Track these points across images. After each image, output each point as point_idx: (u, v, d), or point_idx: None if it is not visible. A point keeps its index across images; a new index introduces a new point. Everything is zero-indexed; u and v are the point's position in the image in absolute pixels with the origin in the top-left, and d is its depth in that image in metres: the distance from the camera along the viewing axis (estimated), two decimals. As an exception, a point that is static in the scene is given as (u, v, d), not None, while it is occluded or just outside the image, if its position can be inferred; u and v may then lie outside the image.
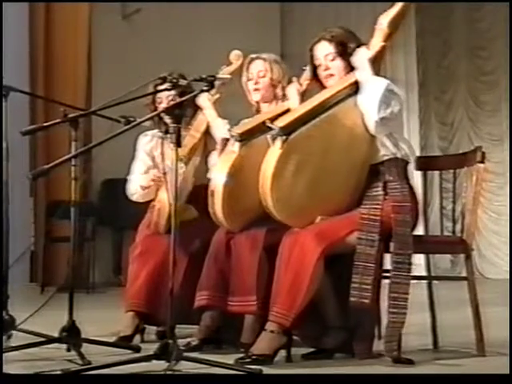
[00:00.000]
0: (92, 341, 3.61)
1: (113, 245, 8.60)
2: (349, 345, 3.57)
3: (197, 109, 4.22)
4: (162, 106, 4.26)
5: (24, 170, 5.82)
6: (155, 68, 4.22)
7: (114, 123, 3.87)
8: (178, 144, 3.26)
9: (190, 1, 9.06)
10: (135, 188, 4.35)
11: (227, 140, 3.87)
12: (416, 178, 3.92)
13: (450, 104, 9.93)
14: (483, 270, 9.28)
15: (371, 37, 3.60)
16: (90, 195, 8.41)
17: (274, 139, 3.43)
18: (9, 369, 3.11)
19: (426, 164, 4.03)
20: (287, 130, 3.42)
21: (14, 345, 3.61)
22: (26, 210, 8.03)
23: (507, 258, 8.80)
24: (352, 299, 3.38)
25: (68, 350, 3.50)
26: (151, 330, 4.18)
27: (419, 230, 3.72)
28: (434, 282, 3.98)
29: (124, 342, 3.88)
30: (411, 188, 3.57)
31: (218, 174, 3.73)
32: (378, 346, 3.57)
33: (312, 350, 3.65)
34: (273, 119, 3.57)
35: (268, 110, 4.02)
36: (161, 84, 3.98)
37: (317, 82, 3.72)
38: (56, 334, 3.52)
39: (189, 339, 3.85)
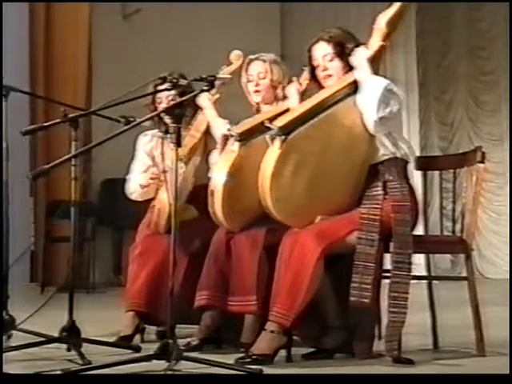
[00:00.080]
0: (92, 341, 3.61)
1: (113, 245, 8.60)
2: (349, 345, 3.57)
3: (197, 109, 4.22)
4: (162, 106, 4.26)
5: (24, 170, 5.81)
6: (155, 68, 4.22)
7: (114, 123, 3.87)
8: (178, 144, 3.26)
9: (190, 1, 9.06)
10: (134, 187, 4.35)
11: (227, 138, 3.87)
12: (416, 177, 3.93)
13: (450, 104, 9.93)
14: (483, 270, 9.28)
15: (370, 37, 3.60)
16: (89, 195, 8.41)
17: (272, 139, 3.43)
18: (9, 369, 3.12)
19: (426, 164, 4.03)
20: (286, 130, 3.42)
21: (14, 345, 3.61)
22: (26, 209, 8.03)
23: (507, 258, 8.80)
24: (352, 299, 3.38)
25: (68, 349, 3.50)
26: (151, 330, 4.18)
27: (419, 230, 3.73)
28: (434, 281, 3.98)
29: (124, 342, 3.88)
30: (411, 187, 3.57)
31: (218, 173, 3.74)
32: (378, 345, 3.57)
33: (312, 349, 3.65)
34: (272, 119, 3.58)
35: (268, 110, 4.02)
36: (161, 84, 3.99)
37: (315, 82, 3.72)
38: (56, 334, 3.52)
39: (189, 339, 3.85)
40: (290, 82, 3.88)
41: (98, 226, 8.13)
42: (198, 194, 4.03)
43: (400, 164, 3.57)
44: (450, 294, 5.00)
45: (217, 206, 3.71)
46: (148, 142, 4.43)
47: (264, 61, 4.05)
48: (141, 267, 4.12)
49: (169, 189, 3.58)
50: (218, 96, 4.16)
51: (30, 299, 5.84)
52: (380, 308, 3.60)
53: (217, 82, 3.60)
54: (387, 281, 3.46)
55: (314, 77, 3.71)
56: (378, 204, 3.48)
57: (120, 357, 3.48)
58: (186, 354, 3.21)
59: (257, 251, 3.72)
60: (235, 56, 4.20)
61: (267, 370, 3.19)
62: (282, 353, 3.48)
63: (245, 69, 4.09)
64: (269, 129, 3.47)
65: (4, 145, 3.95)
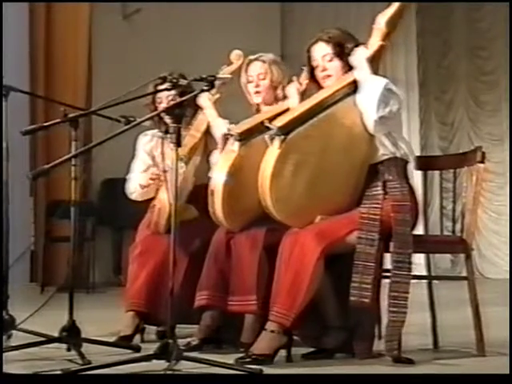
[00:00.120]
0: (92, 340, 3.61)
1: (113, 245, 8.60)
2: (349, 344, 3.57)
3: (197, 108, 4.22)
4: (162, 105, 4.26)
5: (24, 170, 5.81)
6: (155, 68, 4.22)
7: (114, 123, 3.87)
8: (178, 144, 3.26)
9: (190, 1, 9.06)
10: (134, 186, 4.35)
11: (227, 138, 3.87)
12: (416, 177, 3.93)
13: (451, 104, 9.93)
14: (483, 270, 9.28)
15: (370, 37, 3.60)
16: (89, 195, 8.41)
17: (272, 139, 3.43)
18: (9, 368, 3.11)
19: (426, 164, 4.03)
20: (285, 130, 3.42)
21: (14, 344, 3.61)
22: (26, 209, 8.02)
23: (507, 258, 8.80)
24: (352, 299, 3.38)
25: (68, 349, 3.50)
26: (151, 330, 4.18)
27: (419, 230, 3.73)
28: (434, 281, 3.98)
29: (124, 342, 3.88)
30: (411, 187, 3.57)
31: (218, 173, 3.74)
32: (378, 345, 3.57)
33: (312, 349, 3.65)
34: (271, 119, 3.58)
35: (268, 110, 4.02)
36: (161, 84, 3.99)
37: (314, 82, 3.72)
38: (56, 334, 3.52)
39: (189, 339, 3.85)
40: (290, 81, 3.88)
41: (98, 225, 8.14)
42: (198, 193, 4.03)
43: (400, 164, 3.57)
44: (450, 294, 5.00)
45: (217, 205, 3.71)
46: (148, 142, 4.43)
47: (263, 61, 4.05)
48: (141, 267, 4.12)
49: (169, 189, 3.58)
50: (218, 96, 4.16)
51: (29, 299, 5.84)
52: (380, 308, 3.61)
53: (217, 82, 3.60)
54: (387, 280, 3.46)
55: (313, 77, 3.71)
56: (377, 204, 3.48)
57: (120, 357, 3.48)
58: (186, 353, 3.21)
59: (257, 251, 3.72)
60: (235, 56, 4.20)
61: (267, 370, 3.19)
62: (282, 353, 3.48)
63: (244, 69, 4.09)
64: (268, 129, 3.47)
65: (4, 145, 3.95)
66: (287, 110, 3.71)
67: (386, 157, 3.56)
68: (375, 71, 3.56)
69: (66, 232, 4.09)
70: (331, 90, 3.58)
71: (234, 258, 3.78)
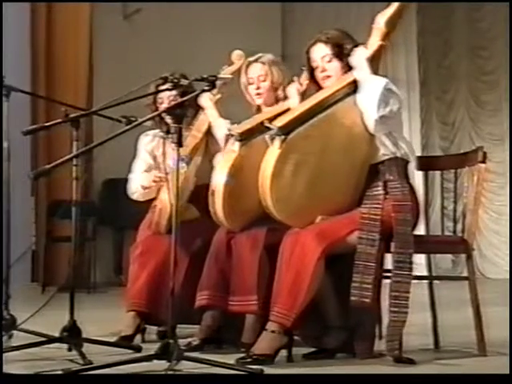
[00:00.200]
0: (93, 340, 3.62)
1: (114, 244, 8.60)
2: (350, 344, 3.57)
3: (198, 109, 4.22)
4: (164, 106, 4.26)
5: (25, 170, 5.81)
6: (156, 68, 4.22)
7: (115, 123, 3.88)
8: (180, 144, 3.26)
9: (191, 1, 9.06)
10: (136, 187, 4.35)
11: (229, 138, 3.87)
12: (417, 177, 3.93)
13: (452, 104, 9.93)
14: (484, 270, 9.28)
15: (370, 36, 3.60)
16: (91, 195, 8.40)
17: (272, 139, 3.43)
18: (9, 369, 3.12)
19: (427, 164, 4.03)
20: (286, 130, 3.42)
21: (14, 344, 3.62)
22: (28, 209, 8.03)
23: (508, 258, 8.79)
24: (353, 298, 3.38)
25: (69, 349, 3.51)
26: (152, 330, 4.18)
27: (420, 230, 3.73)
28: (435, 281, 3.99)
29: (125, 342, 3.88)
30: (411, 187, 3.57)
31: (219, 173, 3.74)
32: (379, 345, 3.57)
33: (313, 349, 3.65)
34: (272, 119, 3.58)
35: (269, 110, 4.02)
36: (162, 84, 3.99)
37: (314, 83, 3.72)
38: (57, 334, 3.52)
39: (190, 339, 3.85)
40: (290, 82, 3.88)
41: (99, 225, 8.14)
42: (200, 193, 4.03)
43: (400, 164, 3.57)
44: (451, 294, 5.00)
45: (217, 205, 3.71)
46: (149, 142, 4.43)
47: (263, 63, 4.04)
48: (142, 267, 4.12)
49: (170, 189, 3.58)
50: (219, 96, 4.16)
51: (30, 299, 5.85)
52: (381, 308, 3.61)
53: (218, 82, 3.60)
54: (388, 281, 3.46)
55: (313, 78, 3.71)
56: (378, 204, 3.48)
57: (121, 357, 3.48)
58: (186, 353, 3.21)
59: (257, 251, 3.72)
60: (237, 56, 4.20)
61: (268, 370, 3.19)
62: (283, 353, 3.48)
63: (244, 71, 4.09)
64: (269, 129, 3.47)
65: (5, 145, 3.96)
66: (288, 110, 3.71)
67: (386, 157, 3.56)
68: (375, 71, 3.56)
69: (67, 232, 4.10)
70: (331, 90, 3.58)
71: (234, 258, 3.78)
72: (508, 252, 8.81)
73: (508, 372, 3.07)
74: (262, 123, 3.65)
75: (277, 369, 3.30)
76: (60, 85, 8.31)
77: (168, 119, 4.18)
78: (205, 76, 3.43)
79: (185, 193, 4.09)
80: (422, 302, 3.92)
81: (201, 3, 9.17)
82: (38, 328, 3.74)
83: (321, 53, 3.65)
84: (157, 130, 4.39)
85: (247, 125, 3.84)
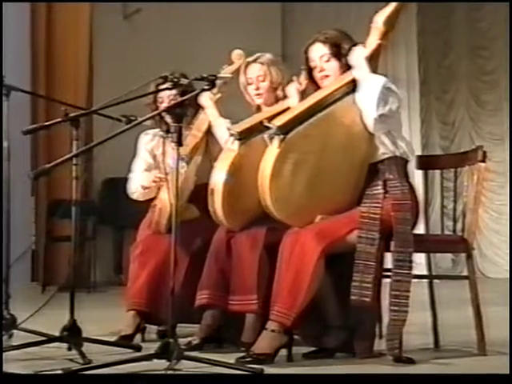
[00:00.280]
0: (93, 340, 3.62)
1: (114, 244, 8.60)
2: (350, 344, 3.57)
3: (198, 108, 4.22)
4: (164, 105, 4.26)
5: (25, 169, 5.81)
6: (156, 67, 4.22)
7: (115, 122, 3.88)
8: (180, 143, 3.26)
9: (191, 1, 9.06)
10: (136, 186, 4.35)
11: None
12: (417, 177, 3.93)
13: (452, 103, 9.93)
14: (484, 269, 9.27)
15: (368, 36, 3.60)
16: (91, 194, 8.41)
17: (271, 138, 3.43)
18: (9, 368, 3.12)
19: (427, 163, 4.03)
20: (285, 129, 3.42)
21: (14, 344, 3.62)
22: (27, 209, 8.03)
23: (508, 257, 8.79)
24: (353, 298, 3.38)
25: (69, 349, 3.51)
26: (152, 329, 4.18)
27: (420, 229, 3.73)
28: (435, 281, 3.99)
29: (125, 341, 3.88)
30: (411, 186, 3.57)
31: (218, 172, 3.74)
32: (379, 345, 3.57)
33: (313, 349, 3.65)
34: (271, 118, 3.58)
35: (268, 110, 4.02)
36: (162, 83, 3.98)
37: (312, 83, 3.72)
38: (57, 334, 3.52)
39: (190, 338, 3.85)
40: (290, 81, 3.88)
41: (99, 225, 8.14)
42: (200, 193, 4.03)
43: (400, 163, 3.57)
44: (451, 293, 5.00)
45: (217, 205, 3.71)
46: (149, 141, 4.43)
47: (262, 63, 4.04)
48: (142, 266, 4.12)
49: (170, 188, 3.58)
50: (219, 95, 4.16)
51: (30, 298, 5.85)
52: (381, 307, 3.61)
53: (218, 82, 3.61)
54: (388, 280, 3.46)
55: (311, 78, 3.71)
56: (378, 203, 3.48)
57: (121, 356, 3.48)
58: (186, 353, 3.22)
59: (257, 250, 3.72)
60: (237, 55, 4.20)
61: (268, 370, 3.19)
62: (283, 352, 3.48)
63: (243, 71, 4.08)
64: (268, 128, 3.47)
65: (5, 144, 3.96)
66: (287, 109, 3.71)
67: (385, 156, 3.56)
68: (374, 70, 3.56)
69: (67, 231, 4.10)
70: (330, 89, 3.58)
71: (234, 258, 3.78)
72: (508, 251, 8.81)
73: (508, 372, 3.07)
74: (261, 122, 3.65)
75: (277, 368, 3.30)
76: (60, 84, 8.30)
77: (168, 118, 4.18)
78: (205, 75, 3.43)
79: (185, 192, 4.09)
80: (422, 301, 3.92)
81: (201, 3, 9.17)
82: (38, 327, 3.74)
83: (319, 52, 3.65)
84: (157, 129, 4.39)
85: (246, 124, 3.84)
